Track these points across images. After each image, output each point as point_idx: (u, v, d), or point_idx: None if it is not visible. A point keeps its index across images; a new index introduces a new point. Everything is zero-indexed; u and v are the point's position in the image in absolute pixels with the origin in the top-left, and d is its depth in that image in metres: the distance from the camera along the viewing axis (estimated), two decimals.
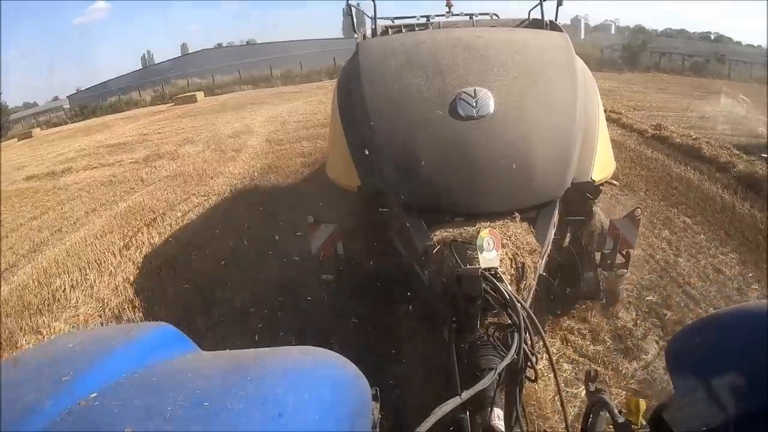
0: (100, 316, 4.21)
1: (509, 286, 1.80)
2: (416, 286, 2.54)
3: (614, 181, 3.27)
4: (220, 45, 43.07)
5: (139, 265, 5.17)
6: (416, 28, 4.56)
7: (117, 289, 4.67)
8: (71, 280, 5.02)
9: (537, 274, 2.25)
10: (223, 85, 29.78)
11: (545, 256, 2.38)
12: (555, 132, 2.66)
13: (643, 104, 12.75)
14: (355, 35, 4.47)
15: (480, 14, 4.90)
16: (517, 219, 2.36)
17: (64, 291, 4.79)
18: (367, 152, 2.74)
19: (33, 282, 5.16)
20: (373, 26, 4.55)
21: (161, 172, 9.23)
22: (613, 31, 38.33)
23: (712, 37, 35.00)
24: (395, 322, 3.14)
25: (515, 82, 2.78)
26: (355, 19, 4.63)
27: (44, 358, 0.89)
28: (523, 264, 2.14)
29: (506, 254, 2.10)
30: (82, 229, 6.73)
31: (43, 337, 3.96)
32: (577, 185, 2.64)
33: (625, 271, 3.17)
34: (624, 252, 3.06)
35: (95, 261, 5.38)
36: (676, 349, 1.09)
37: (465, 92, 2.65)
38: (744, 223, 4.72)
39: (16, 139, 25.77)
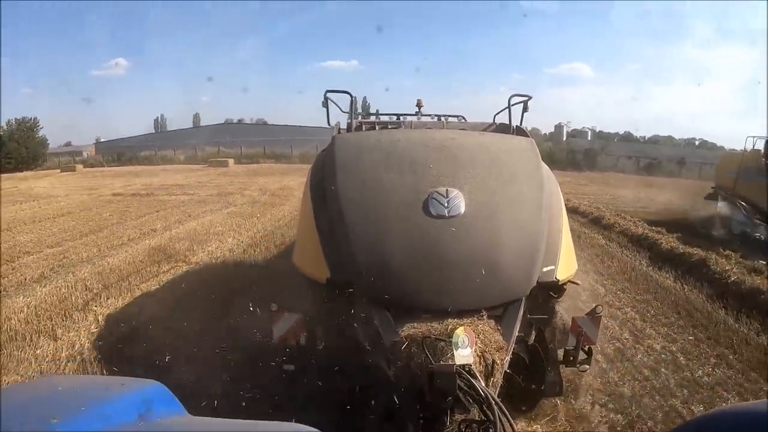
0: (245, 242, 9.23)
1: (482, 383, 1.85)
2: (380, 381, 2.53)
3: (577, 281, 3.36)
4: (240, 121, 47.67)
5: (261, 226, 10.31)
6: (389, 126, 4.72)
7: (255, 234, 9.72)
8: (222, 229, 10.08)
9: (503, 371, 2.35)
10: (249, 156, 34.89)
11: (510, 353, 2.45)
12: (522, 233, 2.80)
13: (577, 192, 16.71)
14: (338, 125, 4.73)
15: (450, 116, 5.22)
16: (485, 317, 2.44)
17: (222, 234, 9.77)
18: (337, 244, 2.76)
19: (201, 228, 10.16)
20: (349, 120, 4.75)
21: (239, 200, 14.24)
22: (589, 137, 43.48)
23: (697, 143, 39.28)
24: (358, 419, 2.82)
25: (485, 183, 2.95)
26: (330, 113, 4.67)
27: (35, 396, 0.95)
28: (493, 361, 2.24)
29: (475, 351, 2.18)
30: (206, 217, 11.61)
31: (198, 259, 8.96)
32: (542, 284, 2.76)
33: (588, 366, 3.22)
34: (586, 348, 3.11)
35: (236, 225, 10.48)
36: None
37: (437, 192, 2.77)
38: (584, 240, 8.90)
39: (59, 171, 30.05)
